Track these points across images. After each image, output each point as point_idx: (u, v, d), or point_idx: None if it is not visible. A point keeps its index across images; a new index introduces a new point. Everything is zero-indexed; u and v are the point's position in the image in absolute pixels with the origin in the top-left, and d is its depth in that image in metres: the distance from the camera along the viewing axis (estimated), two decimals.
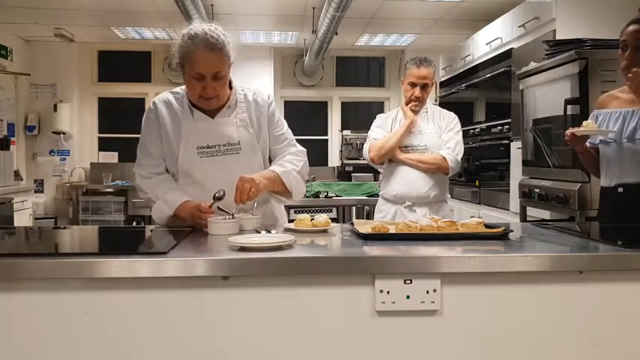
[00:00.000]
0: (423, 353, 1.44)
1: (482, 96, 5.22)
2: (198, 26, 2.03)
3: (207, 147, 2.13)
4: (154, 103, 2.21)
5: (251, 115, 2.20)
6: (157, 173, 2.19)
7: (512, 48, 4.41)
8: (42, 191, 7.59)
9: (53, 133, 7.52)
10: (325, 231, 1.87)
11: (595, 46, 3.13)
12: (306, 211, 2.23)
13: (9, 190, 5.76)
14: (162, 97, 2.21)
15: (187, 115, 2.15)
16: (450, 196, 3.27)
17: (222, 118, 2.15)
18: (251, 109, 2.20)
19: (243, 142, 2.15)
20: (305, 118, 8.46)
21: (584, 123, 2.26)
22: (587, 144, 2.36)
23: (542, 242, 1.82)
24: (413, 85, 3.00)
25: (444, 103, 5.06)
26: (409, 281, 1.41)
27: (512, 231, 1.75)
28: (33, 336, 1.38)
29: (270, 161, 2.27)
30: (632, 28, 2.21)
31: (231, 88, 2.18)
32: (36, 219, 6.86)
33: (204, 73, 2.00)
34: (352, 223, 1.91)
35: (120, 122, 8.22)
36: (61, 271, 1.37)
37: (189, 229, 1.91)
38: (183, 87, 2.19)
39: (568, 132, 2.28)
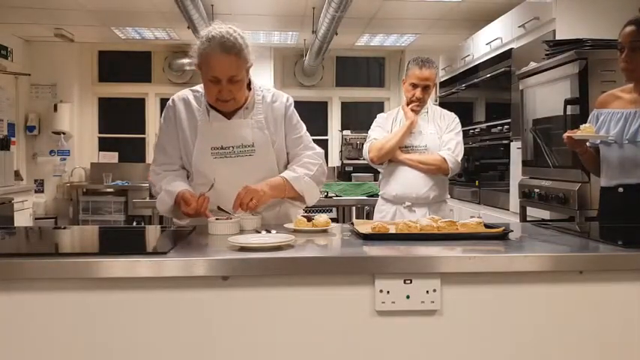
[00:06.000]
0: (423, 353, 1.44)
1: (482, 96, 5.22)
2: (216, 28, 2.01)
3: (222, 148, 2.12)
4: (172, 100, 2.19)
5: (267, 116, 2.18)
6: (170, 170, 2.18)
7: (512, 48, 4.41)
8: (42, 191, 7.59)
9: (53, 133, 7.52)
10: (325, 231, 1.87)
11: (595, 46, 3.13)
12: (305, 211, 2.23)
13: (9, 190, 5.77)
14: (182, 94, 2.20)
15: (204, 114, 2.14)
16: (449, 196, 3.27)
17: (238, 119, 2.14)
18: (268, 111, 2.19)
19: (258, 144, 2.14)
20: (305, 119, 8.41)
21: (582, 127, 2.26)
22: (587, 144, 2.36)
23: (542, 242, 1.82)
24: (414, 85, 2.98)
25: (444, 104, 5.05)
26: (409, 281, 1.41)
27: (512, 231, 1.75)
28: (33, 336, 1.37)
29: (288, 164, 2.26)
30: (628, 29, 2.21)
31: (250, 89, 2.17)
32: (36, 219, 6.86)
33: (220, 77, 1.99)
34: (352, 223, 1.91)
35: (120, 122, 8.23)
36: (61, 271, 1.37)
37: (189, 229, 1.91)
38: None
39: (565, 135, 2.28)
